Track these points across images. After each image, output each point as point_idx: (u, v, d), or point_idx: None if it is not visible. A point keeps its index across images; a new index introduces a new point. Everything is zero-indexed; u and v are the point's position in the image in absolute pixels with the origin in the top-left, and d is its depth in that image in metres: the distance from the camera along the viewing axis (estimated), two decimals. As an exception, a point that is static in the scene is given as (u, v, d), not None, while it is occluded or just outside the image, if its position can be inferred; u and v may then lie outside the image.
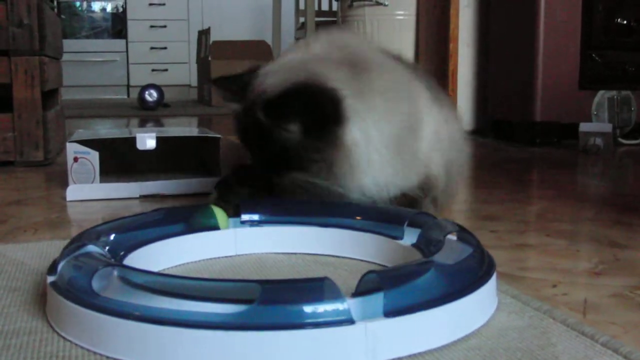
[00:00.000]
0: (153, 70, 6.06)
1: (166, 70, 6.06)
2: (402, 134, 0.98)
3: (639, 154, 2.40)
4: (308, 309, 0.63)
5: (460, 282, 0.73)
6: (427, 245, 0.86)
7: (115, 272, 0.71)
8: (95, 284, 0.70)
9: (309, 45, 1.01)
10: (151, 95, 4.17)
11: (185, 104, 4.83)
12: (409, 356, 0.67)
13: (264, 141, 0.88)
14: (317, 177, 0.89)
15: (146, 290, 0.67)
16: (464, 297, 0.71)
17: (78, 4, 6.01)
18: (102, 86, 5.99)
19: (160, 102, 4.19)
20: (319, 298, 0.64)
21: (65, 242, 0.86)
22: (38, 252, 1.05)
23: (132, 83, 6.00)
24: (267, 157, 0.88)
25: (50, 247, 1.08)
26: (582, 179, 1.98)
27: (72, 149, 1.56)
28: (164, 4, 6.03)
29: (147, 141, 1.62)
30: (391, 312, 0.65)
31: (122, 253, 0.87)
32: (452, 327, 0.70)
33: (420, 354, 0.67)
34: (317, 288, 0.66)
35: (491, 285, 0.78)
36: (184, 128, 1.92)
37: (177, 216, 1.00)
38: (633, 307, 0.84)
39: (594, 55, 2.55)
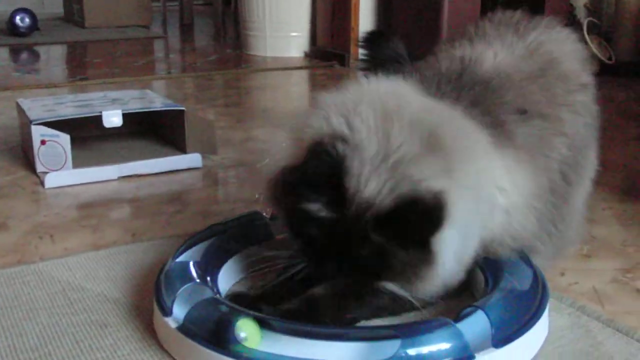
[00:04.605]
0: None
1: (11, -19, 5.53)
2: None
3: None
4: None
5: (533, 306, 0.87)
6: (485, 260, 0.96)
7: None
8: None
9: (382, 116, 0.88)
10: (23, 21, 3.83)
11: (53, 25, 4.49)
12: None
13: (357, 251, 0.85)
14: (399, 284, 0.88)
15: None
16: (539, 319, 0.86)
17: None
18: None
19: (33, 28, 3.89)
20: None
21: (98, 252, 1.03)
22: (82, 269, 1.06)
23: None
24: (356, 266, 0.85)
25: (89, 262, 1.08)
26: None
27: (38, 131, 1.51)
28: None
29: (113, 119, 1.60)
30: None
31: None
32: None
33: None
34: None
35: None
36: (140, 93, 1.84)
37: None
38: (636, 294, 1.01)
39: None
